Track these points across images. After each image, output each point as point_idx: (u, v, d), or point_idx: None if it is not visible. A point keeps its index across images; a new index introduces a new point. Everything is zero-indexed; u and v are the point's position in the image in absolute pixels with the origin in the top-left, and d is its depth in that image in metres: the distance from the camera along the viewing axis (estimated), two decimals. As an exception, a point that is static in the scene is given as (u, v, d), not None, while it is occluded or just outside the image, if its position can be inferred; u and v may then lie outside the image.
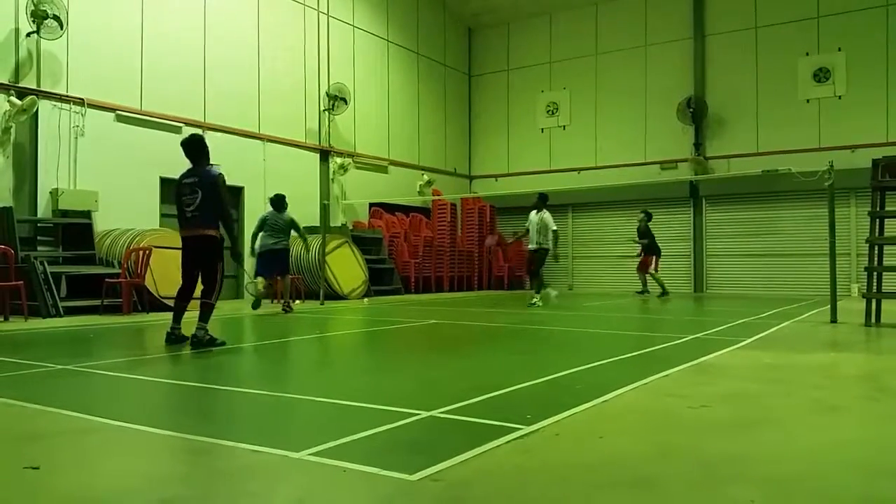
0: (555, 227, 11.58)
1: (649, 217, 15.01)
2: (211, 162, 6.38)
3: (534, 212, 11.70)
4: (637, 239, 15.02)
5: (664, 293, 14.39)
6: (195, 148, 6.26)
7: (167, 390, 4.46)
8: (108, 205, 11.26)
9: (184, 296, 6.34)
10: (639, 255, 14.99)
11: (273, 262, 10.46)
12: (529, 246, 11.87)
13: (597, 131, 18.93)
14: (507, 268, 19.23)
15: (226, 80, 13.58)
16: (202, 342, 5.98)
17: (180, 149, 6.30)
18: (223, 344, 6.13)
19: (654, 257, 14.77)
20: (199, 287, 6.31)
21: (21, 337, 7.41)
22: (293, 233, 10.75)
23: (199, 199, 6.02)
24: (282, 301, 10.63)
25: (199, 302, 6.22)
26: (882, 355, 6.27)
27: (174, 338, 6.23)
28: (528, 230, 11.81)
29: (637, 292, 15.04)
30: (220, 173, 6.18)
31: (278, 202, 10.64)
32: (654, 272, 14.75)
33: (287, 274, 10.83)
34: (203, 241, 6.10)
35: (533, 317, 10.24)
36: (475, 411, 3.53)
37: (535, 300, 11.61)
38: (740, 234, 17.18)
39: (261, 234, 10.46)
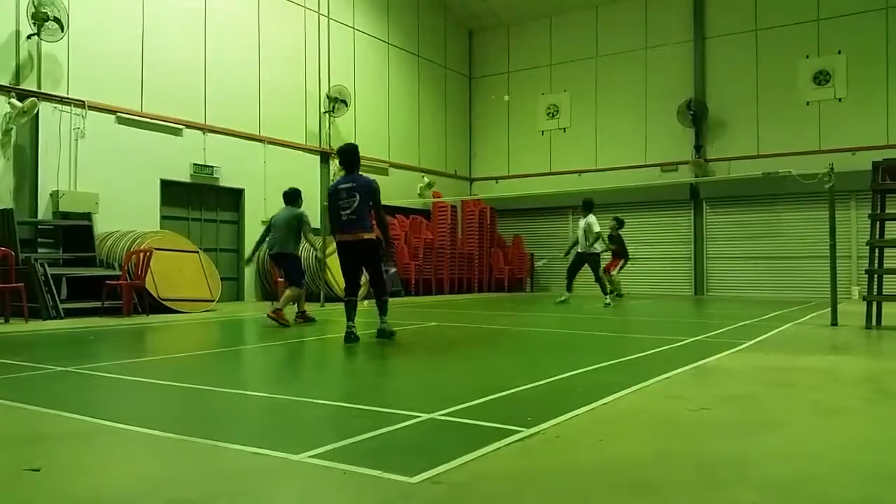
0: (598, 230, 12.15)
1: (620, 224, 14.96)
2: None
3: (581, 218, 12.28)
4: (609, 245, 14.81)
5: (618, 294, 14.35)
6: (352, 156, 6.69)
7: (168, 392, 4.46)
8: (109, 207, 11.26)
9: (352, 293, 6.82)
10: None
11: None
12: (578, 249, 12.35)
13: (597, 134, 18.91)
14: (507, 270, 19.22)
15: (226, 83, 13.58)
16: (386, 333, 6.72)
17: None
18: (393, 334, 6.80)
19: (622, 261, 14.81)
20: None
21: (21, 339, 7.41)
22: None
23: (357, 203, 6.42)
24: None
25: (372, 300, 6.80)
26: (882, 358, 6.26)
27: (353, 336, 6.55)
28: (576, 239, 12.40)
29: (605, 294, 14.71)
30: (374, 179, 6.67)
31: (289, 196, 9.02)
32: (613, 274, 14.63)
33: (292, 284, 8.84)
34: (368, 245, 6.55)
35: (532, 319, 10.24)
36: (476, 414, 3.53)
37: (607, 301, 12.13)
38: (741, 236, 17.16)
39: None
